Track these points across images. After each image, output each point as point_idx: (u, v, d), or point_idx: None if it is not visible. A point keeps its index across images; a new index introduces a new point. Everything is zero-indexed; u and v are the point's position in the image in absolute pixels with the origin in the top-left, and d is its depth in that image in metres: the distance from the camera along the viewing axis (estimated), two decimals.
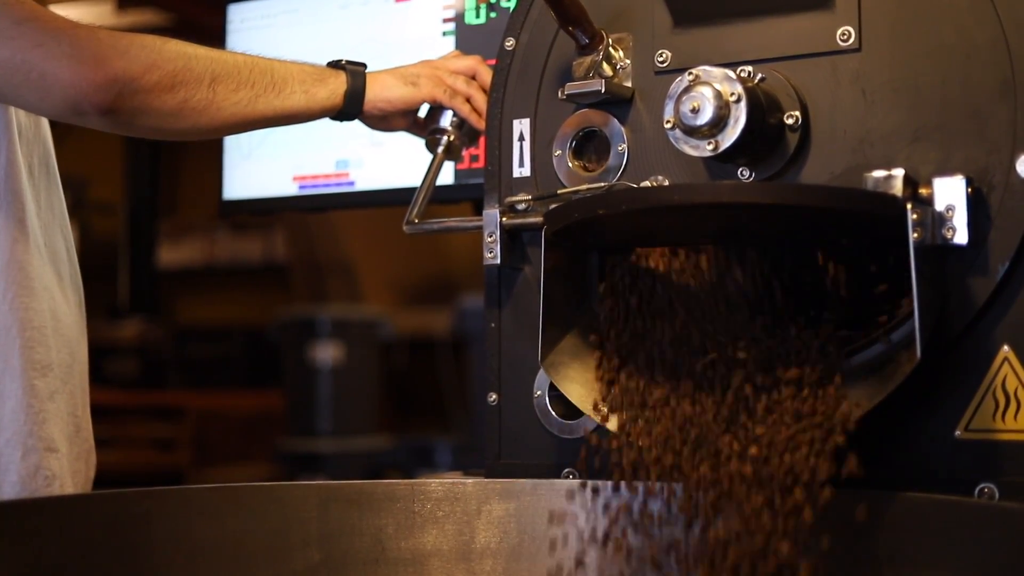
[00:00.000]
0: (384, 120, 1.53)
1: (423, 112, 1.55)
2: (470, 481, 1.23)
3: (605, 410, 1.15)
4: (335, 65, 1.49)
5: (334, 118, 1.49)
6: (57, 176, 1.51)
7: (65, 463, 1.44)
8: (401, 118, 1.54)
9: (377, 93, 1.48)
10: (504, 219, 1.30)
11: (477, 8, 1.73)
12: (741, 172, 1.20)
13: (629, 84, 1.28)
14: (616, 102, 1.28)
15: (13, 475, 1.38)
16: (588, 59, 1.28)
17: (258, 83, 1.39)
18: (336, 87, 1.46)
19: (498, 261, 1.30)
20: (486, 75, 1.50)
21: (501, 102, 1.35)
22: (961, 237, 1.09)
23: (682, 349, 1.14)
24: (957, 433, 1.10)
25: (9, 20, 1.28)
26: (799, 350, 1.11)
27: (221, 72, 1.37)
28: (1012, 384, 1.09)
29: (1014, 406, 1.09)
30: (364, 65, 1.51)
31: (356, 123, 1.54)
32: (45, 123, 1.50)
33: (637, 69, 1.28)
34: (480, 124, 1.49)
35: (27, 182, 1.43)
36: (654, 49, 1.27)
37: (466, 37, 1.74)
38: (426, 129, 1.53)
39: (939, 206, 1.09)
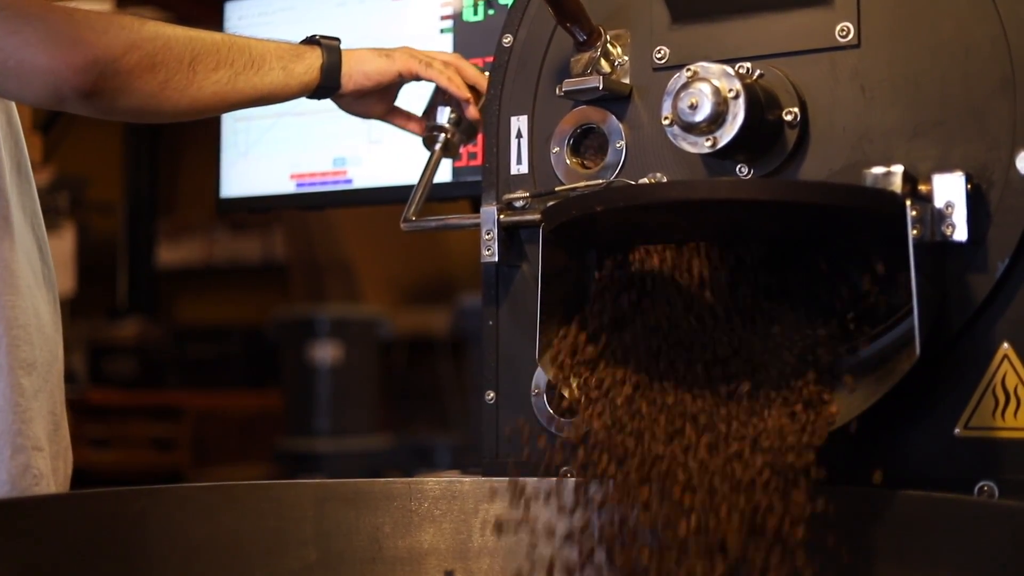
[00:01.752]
0: (361, 102, 1.51)
1: (401, 91, 1.53)
2: (467, 480, 1.23)
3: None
4: (310, 41, 1.47)
5: (311, 95, 1.47)
6: (30, 173, 1.49)
7: (49, 462, 1.43)
8: (377, 103, 1.52)
9: (353, 67, 1.46)
10: (502, 216, 1.30)
11: (475, 5, 1.72)
12: (740, 169, 1.20)
13: (627, 81, 1.27)
14: (614, 99, 1.27)
15: (3, 474, 1.37)
16: (586, 56, 1.27)
17: (237, 61, 1.37)
18: (313, 62, 1.44)
19: (496, 259, 1.30)
20: (467, 67, 1.49)
21: (499, 99, 1.34)
22: (960, 234, 1.08)
23: (663, 346, 1.14)
24: (956, 431, 1.10)
25: None
26: (779, 360, 1.11)
27: (200, 51, 1.35)
28: (1012, 381, 1.08)
29: (1014, 404, 1.08)
30: (338, 40, 1.48)
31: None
32: (16, 119, 1.48)
33: (635, 66, 1.27)
34: (459, 93, 1.47)
35: (7, 180, 1.42)
36: (652, 45, 1.26)
37: (464, 34, 1.73)
38: (424, 124, 1.52)
39: (938, 203, 1.09)
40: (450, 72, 1.48)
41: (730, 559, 0.99)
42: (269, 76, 1.40)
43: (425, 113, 1.53)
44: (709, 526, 1.00)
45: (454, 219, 1.40)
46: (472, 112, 1.48)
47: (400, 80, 1.50)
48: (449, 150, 1.51)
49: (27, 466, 1.39)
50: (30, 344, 1.42)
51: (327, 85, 1.46)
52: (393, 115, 1.56)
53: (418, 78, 1.49)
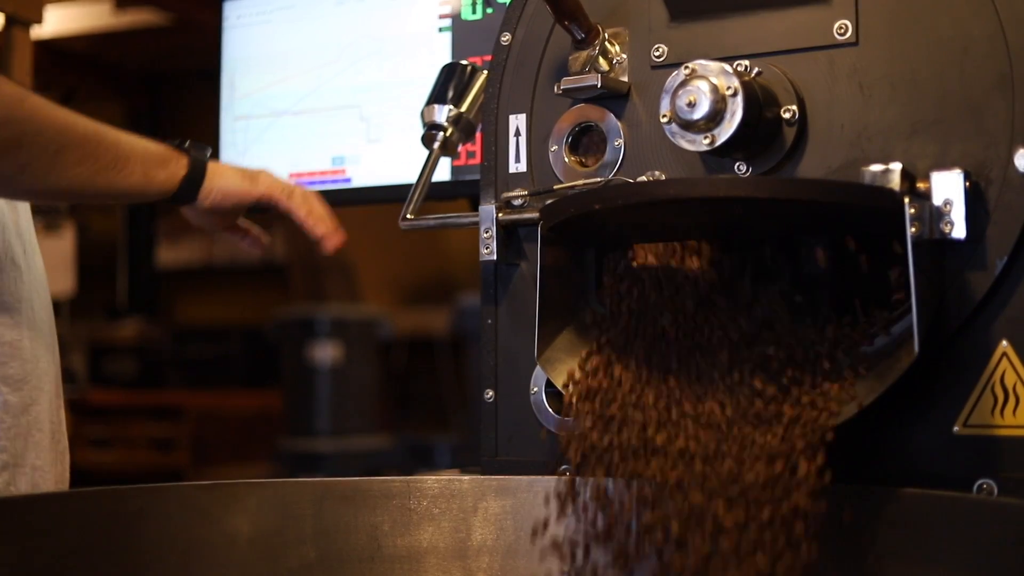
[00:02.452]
0: (208, 215, 1.52)
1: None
2: (466, 478, 1.23)
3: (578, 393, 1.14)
4: (180, 147, 1.47)
5: (167, 202, 1.48)
6: None
7: (40, 473, 1.42)
8: (222, 220, 1.54)
9: (214, 183, 1.47)
10: (500, 215, 1.30)
11: (473, 4, 1.72)
12: (738, 167, 1.20)
13: (625, 79, 1.27)
14: (612, 97, 1.27)
15: None
16: (584, 54, 1.27)
17: (102, 158, 1.35)
18: (175, 171, 1.44)
19: (494, 257, 1.29)
20: (318, 205, 1.52)
21: (497, 97, 1.34)
22: (959, 231, 1.08)
23: (667, 344, 1.14)
24: (955, 429, 1.10)
25: None
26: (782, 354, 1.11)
27: (69, 143, 1.32)
28: (1011, 379, 1.08)
29: (1013, 401, 1.08)
30: (207, 150, 1.49)
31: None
32: None
33: (633, 64, 1.27)
34: (316, 228, 1.50)
35: None
36: (650, 43, 1.26)
37: (462, 33, 1.73)
38: (263, 241, 1.57)
39: (937, 200, 1.09)
40: (310, 204, 1.49)
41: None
42: (129, 179, 1.39)
43: (423, 112, 1.53)
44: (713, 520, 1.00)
45: (452, 218, 1.40)
46: (328, 246, 1.50)
47: (257, 204, 1.51)
48: (447, 148, 1.51)
49: (10, 484, 1.39)
50: (19, 359, 1.41)
51: (183, 198, 1.47)
52: (233, 230, 1.58)
53: (277, 205, 1.51)
